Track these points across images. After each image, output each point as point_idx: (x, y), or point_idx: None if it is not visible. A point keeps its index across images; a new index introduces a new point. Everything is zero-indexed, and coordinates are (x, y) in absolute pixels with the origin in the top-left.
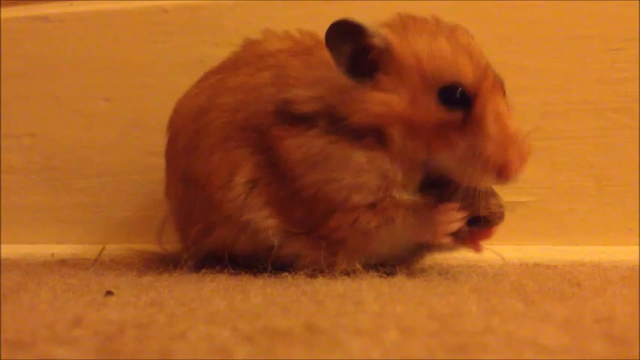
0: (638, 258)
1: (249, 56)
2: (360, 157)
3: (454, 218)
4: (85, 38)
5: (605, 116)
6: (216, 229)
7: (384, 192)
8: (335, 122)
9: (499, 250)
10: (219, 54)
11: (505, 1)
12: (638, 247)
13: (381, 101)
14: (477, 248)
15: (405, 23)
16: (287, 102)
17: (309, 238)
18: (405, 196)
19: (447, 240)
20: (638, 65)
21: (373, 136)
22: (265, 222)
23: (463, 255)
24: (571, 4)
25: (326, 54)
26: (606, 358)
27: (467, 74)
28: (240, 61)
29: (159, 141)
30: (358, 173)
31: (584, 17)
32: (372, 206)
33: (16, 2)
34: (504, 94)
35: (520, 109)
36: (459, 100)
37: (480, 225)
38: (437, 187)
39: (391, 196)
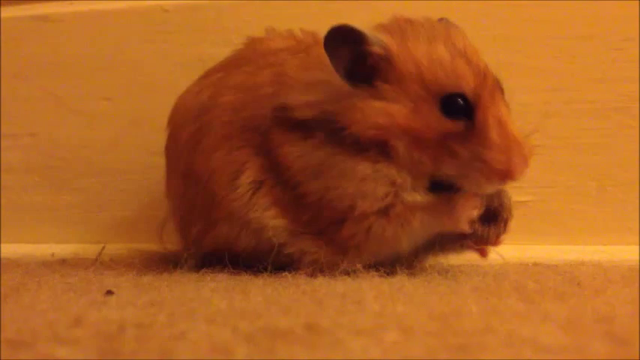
0: (638, 257)
1: (252, 54)
2: (365, 168)
3: (474, 204)
4: (85, 38)
5: (605, 116)
6: (217, 227)
7: (392, 197)
8: (335, 132)
9: (499, 249)
10: (219, 54)
11: (505, 1)
12: (638, 246)
13: (383, 111)
14: (483, 253)
15: (402, 28)
16: (284, 107)
17: (316, 237)
18: (418, 197)
19: (467, 227)
20: (638, 65)
21: (376, 148)
22: (272, 222)
23: (463, 254)
24: (571, 4)
25: (323, 54)
26: (606, 358)
27: (467, 82)
28: (242, 59)
29: (159, 140)
30: (362, 182)
31: (584, 17)
32: (385, 213)
33: (16, 2)
34: (503, 94)
35: (520, 109)
36: (461, 109)
37: (492, 221)
38: (446, 189)
39: (403, 202)
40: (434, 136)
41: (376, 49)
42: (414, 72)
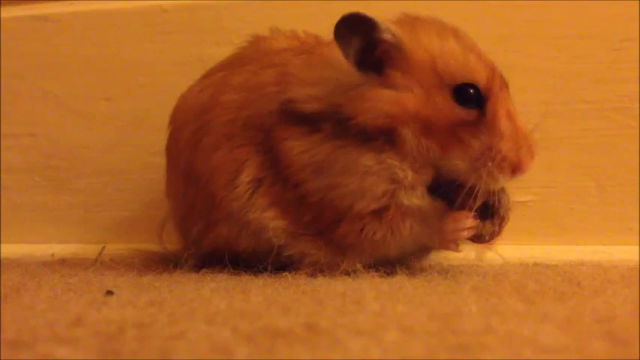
0: (638, 258)
1: (254, 53)
2: (368, 160)
3: (464, 226)
4: (85, 38)
5: (605, 116)
6: (217, 227)
7: (389, 198)
8: (341, 123)
9: (499, 250)
10: (219, 54)
11: (505, 1)
12: (638, 246)
13: (393, 99)
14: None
15: (412, 21)
16: (290, 101)
17: (315, 238)
18: (415, 200)
19: (454, 247)
20: (638, 65)
21: (382, 137)
22: (271, 223)
23: (463, 255)
24: (571, 4)
25: (327, 53)
26: (606, 358)
27: (480, 73)
28: (245, 59)
29: (159, 140)
30: (364, 177)
31: (584, 17)
32: (378, 215)
33: (16, 2)
34: (508, 90)
35: (520, 109)
36: (473, 99)
37: (488, 217)
38: (447, 190)
39: (398, 203)
40: (445, 123)
41: (387, 36)
42: (426, 60)
